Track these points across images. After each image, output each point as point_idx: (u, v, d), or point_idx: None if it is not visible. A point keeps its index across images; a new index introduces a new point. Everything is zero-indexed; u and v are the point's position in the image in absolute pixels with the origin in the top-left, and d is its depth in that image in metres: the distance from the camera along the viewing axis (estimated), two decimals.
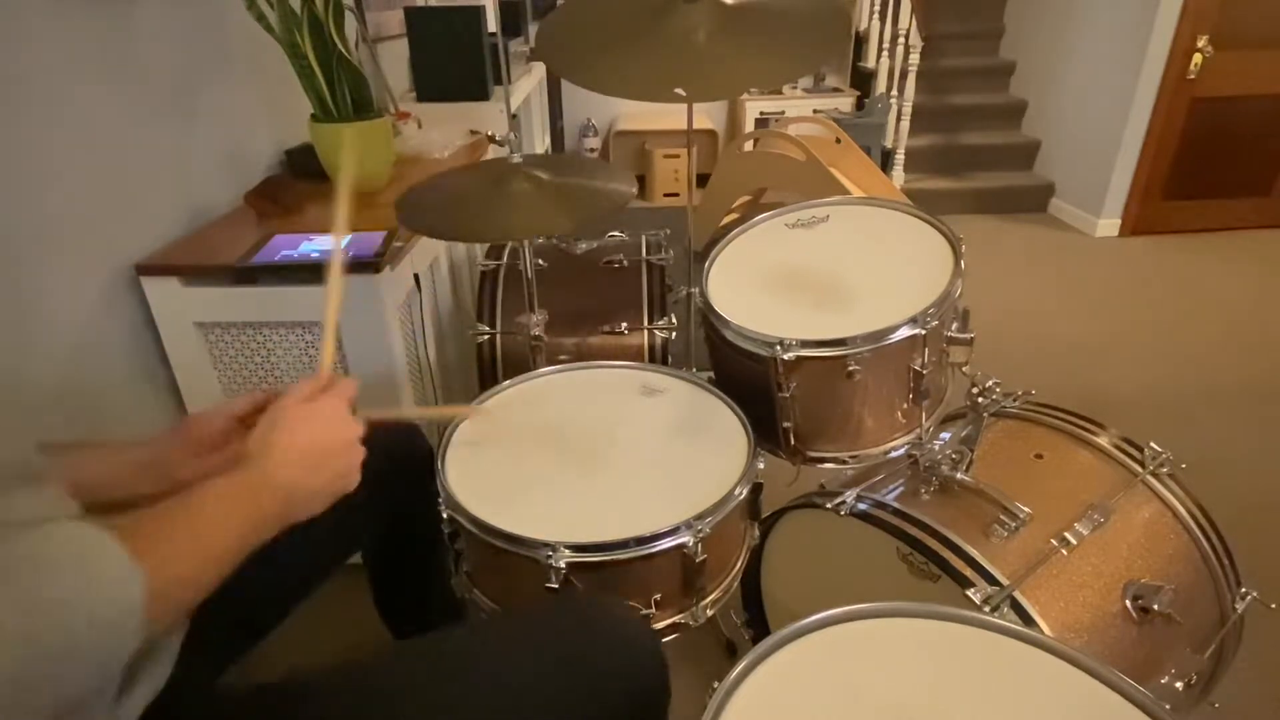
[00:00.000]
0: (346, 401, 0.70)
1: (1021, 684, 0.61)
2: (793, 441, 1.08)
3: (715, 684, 0.60)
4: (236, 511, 0.58)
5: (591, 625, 0.74)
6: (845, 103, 4.15)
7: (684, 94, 1.19)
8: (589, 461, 0.96)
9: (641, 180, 4.14)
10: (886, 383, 1.02)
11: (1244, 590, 1.00)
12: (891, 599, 0.67)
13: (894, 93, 3.57)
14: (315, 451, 0.64)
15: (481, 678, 0.68)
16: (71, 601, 0.45)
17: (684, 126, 1.52)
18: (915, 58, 3.41)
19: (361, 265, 1.23)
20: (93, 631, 0.45)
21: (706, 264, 1.18)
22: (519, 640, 0.72)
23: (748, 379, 1.05)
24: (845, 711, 0.59)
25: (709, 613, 0.92)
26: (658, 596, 0.87)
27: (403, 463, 1.00)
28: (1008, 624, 0.65)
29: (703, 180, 3.36)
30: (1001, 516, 0.93)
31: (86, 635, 0.45)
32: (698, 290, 1.14)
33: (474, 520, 0.86)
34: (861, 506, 0.96)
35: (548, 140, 3.84)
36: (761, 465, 0.95)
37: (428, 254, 1.55)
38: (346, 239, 1.29)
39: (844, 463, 1.09)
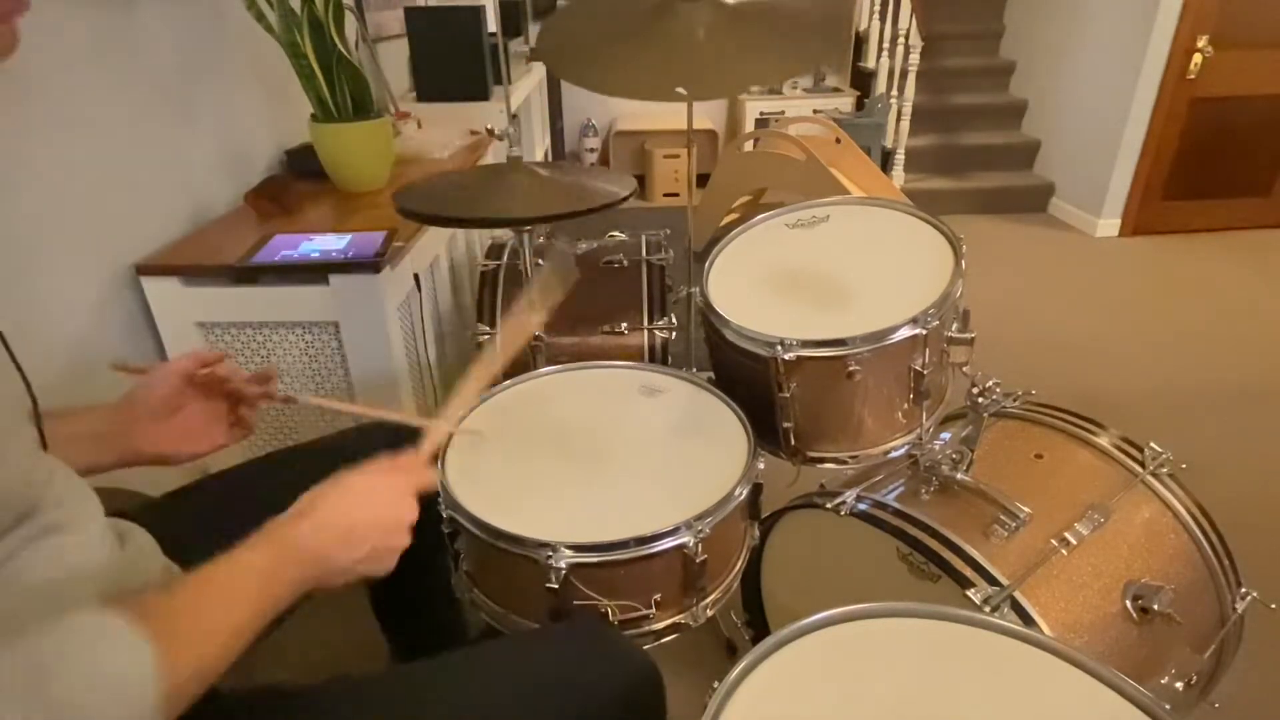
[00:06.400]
0: (417, 489, 0.69)
1: (1021, 684, 0.61)
2: (793, 441, 1.07)
3: (715, 684, 0.59)
4: (261, 587, 0.56)
5: (584, 648, 0.74)
6: (845, 103, 4.15)
7: (684, 93, 1.19)
8: (589, 461, 0.96)
9: (641, 180, 4.14)
10: (887, 383, 1.02)
11: (1244, 590, 1.00)
12: (891, 599, 0.67)
13: (894, 93, 3.57)
14: (361, 528, 0.63)
15: (473, 705, 0.68)
16: (86, 707, 0.44)
17: (684, 126, 1.52)
18: (915, 58, 3.41)
19: (361, 265, 1.23)
20: None
21: (706, 264, 1.18)
22: (511, 667, 0.72)
23: (748, 379, 1.05)
24: (845, 711, 0.59)
25: (709, 613, 0.92)
26: (658, 597, 0.87)
27: None
28: (1008, 624, 0.65)
29: (703, 180, 3.36)
30: (1001, 516, 0.93)
31: None
32: (698, 290, 1.14)
33: (474, 520, 0.86)
34: (861, 506, 0.96)
35: (548, 140, 3.84)
36: (761, 465, 0.94)
37: (428, 254, 1.55)
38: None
39: (844, 463, 1.09)
